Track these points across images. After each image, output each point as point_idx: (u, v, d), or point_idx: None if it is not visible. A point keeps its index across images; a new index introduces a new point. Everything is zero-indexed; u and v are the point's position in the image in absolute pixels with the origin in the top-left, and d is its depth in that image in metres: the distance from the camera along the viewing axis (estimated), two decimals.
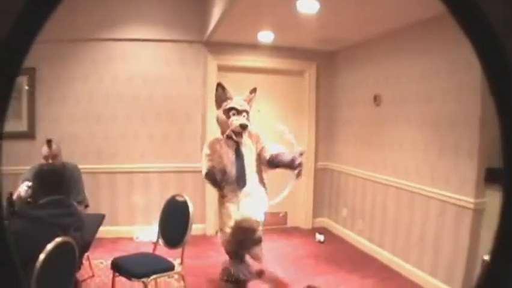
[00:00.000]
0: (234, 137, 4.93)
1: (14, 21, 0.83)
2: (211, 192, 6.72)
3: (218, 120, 5.12)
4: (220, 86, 5.09)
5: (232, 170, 4.97)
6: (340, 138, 7.28)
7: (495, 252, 0.97)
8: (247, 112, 5.06)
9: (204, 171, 4.87)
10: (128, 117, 6.63)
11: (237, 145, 5.03)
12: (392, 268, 5.69)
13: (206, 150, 5.03)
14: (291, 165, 4.95)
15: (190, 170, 6.83)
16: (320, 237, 6.92)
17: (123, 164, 6.66)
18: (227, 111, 5.00)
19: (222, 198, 5.04)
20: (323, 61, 7.39)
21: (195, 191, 6.74)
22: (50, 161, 4.37)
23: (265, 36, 6.19)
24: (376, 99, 6.06)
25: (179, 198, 4.57)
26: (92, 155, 6.49)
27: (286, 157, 4.97)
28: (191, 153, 6.88)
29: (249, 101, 5.19)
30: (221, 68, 6.85)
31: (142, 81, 6.63)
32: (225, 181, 4.92)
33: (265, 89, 5.56)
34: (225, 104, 5.05)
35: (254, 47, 6.82)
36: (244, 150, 5.05)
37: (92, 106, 6.49)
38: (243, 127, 4.91)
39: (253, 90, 5.26)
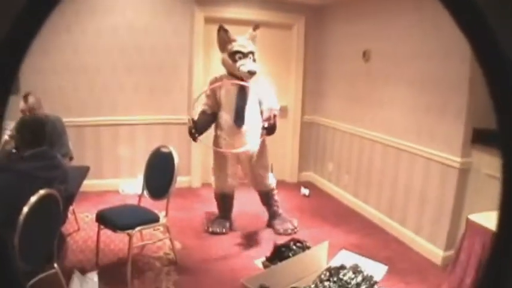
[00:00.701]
0: (244, 79, 4.94)
1: (13, 22, 0.81)
2: (197, 144, 6.72)
3: (224, 64, 5.09)
4: (222, 29, 5.03)
5: (230, 109, 5.02)
6: (328, 92, 7.24)
7: (501, 225, 0.96)
8: (252, 53, 5.03)
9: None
10: (113, 69, 6.51)
11: (242, 85, 5.03)
12: (376, 224, 5.75)
13: (207, 91, 5.14)
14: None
15: (176, 123, 6.78)
16: (305, 191, 6.96)
17: (108, 117, 6.57)
18: (233, 55, 4.97)
19: (217, 141, 5.19)
20: (312, 15, 7.28)
21: (180, 143, 6.70)
22: (27, 114, 4.33)
23: None
24: (365, 55, 6.00)
25: (164, 150, 4.55)
26: (77, 107, 6.39)
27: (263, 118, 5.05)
28: (177, 105, 6.82)
29: (253, 39, 5.14)
30: (208, 20, 6.72)
31: (128, 32, 6.48)
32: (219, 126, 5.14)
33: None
34: (229, 46, 5.00)
35: None
36: (248, 90, 5.04)
37: (76, 58, 6.34)
38: (251, 73, 4.89)
39: (256, 27, 5.19)
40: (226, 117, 5.06)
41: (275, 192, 5.49)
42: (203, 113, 5.08)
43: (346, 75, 6.63)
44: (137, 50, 6.55)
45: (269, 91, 5.18)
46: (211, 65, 6.89)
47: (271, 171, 5.44)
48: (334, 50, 7.00)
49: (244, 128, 5.03)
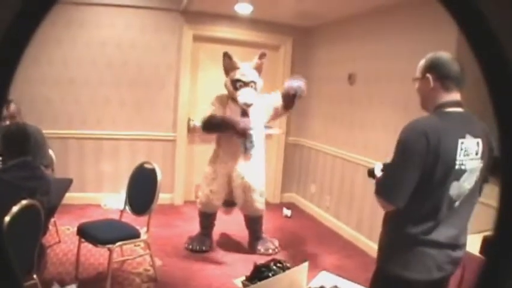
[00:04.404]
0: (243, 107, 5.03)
1: (9, 23, 0.82)
2: (181, 162, 6.73)
3: (226, 87, 5.13)
4: (226, 56, 5.08)
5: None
6: (312, 114, 7.30)
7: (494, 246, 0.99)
8: (254, 82, 5.06)
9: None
10: (100, 83, 6.53)
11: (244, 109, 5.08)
12: (357, 246, 5.77)
13: (213, 101, 5.18)
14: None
15: (161, 139, 6.81)
16: (287, 212, 6.97)
17: (93, 130, 6.57)
18: (234, 82, 5.00)
19: (217, 158, 5.20)
20: (300, 37, 7.36)
21: (164, 160, 6.73)
22: (8, 122, 4.34)
23: (244, 8, 6.12)
24: (350, 78, 6.07)
25: (147, 166, 4.56)
26: (63, 119, 6.39)
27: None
28: (162, 122, 6.84)
29: (258, 68, 5.17)
30: (197, 38, 6.78)
31: (116, 47, 6.52)
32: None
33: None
34: (232, 73, 5.04)
35: (231, 18, 6.76)
36: (251, 114, 5.08)
37: (65, 70, 6.37)
38: (247, 105, 4.96)
39: (263, 55, 5.21)
40: (227, 141, 5.10)
41: (263, 218, 5.48)
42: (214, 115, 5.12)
43: (331, 97, 6.69)
44: (124, 65, 6.59)
45: (271, 95, 5.31)
46: (198, 83, 6.92)
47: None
48: (320, 72, 7.07)
49: (250, 152, 5.10)
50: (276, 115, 5.35)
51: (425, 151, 2.15)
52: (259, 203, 5.29)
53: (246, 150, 5.05)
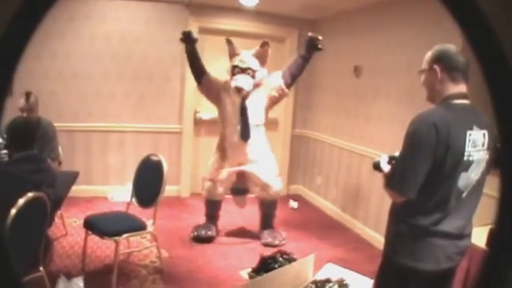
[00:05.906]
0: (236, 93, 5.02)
1: (9, 21, 0.82)
2: (187, 154, 6.73)
3: (228, 75, 5.17)
4: (228, 42, 5.12)
5: (234, 120, 5.09)
6: (318, 106, 7.29)
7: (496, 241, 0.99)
8: (252, 70, 5.05)
9: None
10: (105, 76, 6.54)
11: (243, 97, 5.08)
12: (363, 238, 5.77)
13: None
14: (308, 50, 5.29)
15: (167, 131, 6.82)
16: (293, 204, 6.98)
17: (99, 123, 6.59)
18: (232, 68, 5.05)
19: (221, 151, 5.27)
20: (305, 29, 7.27)
21: (170, 152, 6.73)
22: (25, 114, 4.34)
23: (249, 0, 6.11)
24: (356, 71, 6.05)
25: (153, 158, 4.56)
26: (68, 113, 6.40)
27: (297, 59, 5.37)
28: (167, 114, 6.86)
29: (260, 56, 5.14)
30: (202, 31, 6.74)
31: (120, 40, 6.52)
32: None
33: None
34: (232, 59, 5.11)
35: (237, 10, 6.74)
36: (249, 103, 5.09)
37: (69, 64, 6.37)
38: (238, 89, 4.95)
39: (264, 44, 5.16)
40: (229, 130, 5.14)
41: (277, 203, 5.52)
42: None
43: (337, 89, 6.68)
44: (129, 58, 6.59)
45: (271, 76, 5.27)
46: None
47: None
48: (325, 64, 7.04)
49: (249, 142, 5.11)
50: (279, 94, 5.27)
51: (435, 142, 2.18)
52: (276, 187, 5.35)
53: (245, 138, 5.08)
